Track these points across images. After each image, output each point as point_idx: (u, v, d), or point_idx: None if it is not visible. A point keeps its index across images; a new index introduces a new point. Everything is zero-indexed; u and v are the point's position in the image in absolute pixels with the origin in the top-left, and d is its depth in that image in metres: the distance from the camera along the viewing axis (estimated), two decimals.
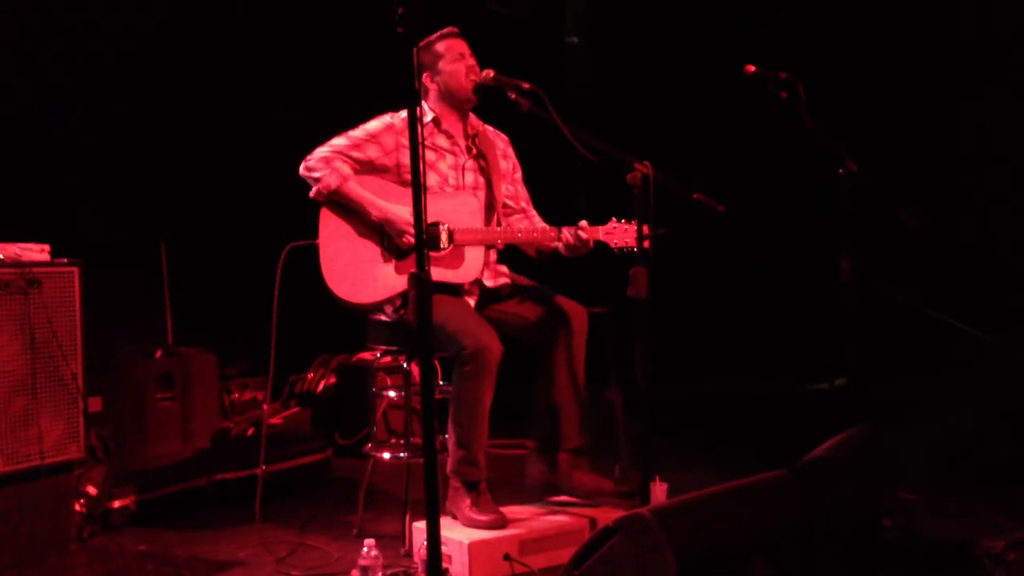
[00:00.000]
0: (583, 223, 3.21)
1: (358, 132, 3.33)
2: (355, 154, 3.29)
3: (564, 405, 3.25)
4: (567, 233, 3.22)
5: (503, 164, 3.50)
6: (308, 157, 3.28)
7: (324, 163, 3.25)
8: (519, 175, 3.58)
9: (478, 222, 3.28)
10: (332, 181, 3.22)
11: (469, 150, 3.43)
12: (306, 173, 3.27)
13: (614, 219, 3.21)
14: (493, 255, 3.43)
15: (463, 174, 3.40)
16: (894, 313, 4.64)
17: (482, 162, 3.43)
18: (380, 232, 3.25)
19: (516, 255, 3.47)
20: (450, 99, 3.38)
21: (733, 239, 5.64)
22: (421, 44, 3.33)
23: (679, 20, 6.07)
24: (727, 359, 6.13)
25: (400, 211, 3.21)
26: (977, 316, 4.43)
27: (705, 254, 5.67)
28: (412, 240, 3.16)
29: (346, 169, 3.26)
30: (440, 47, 3.36)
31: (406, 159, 3.27)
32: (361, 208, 3.23)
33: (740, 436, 5.01)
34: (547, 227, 3.36)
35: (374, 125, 3.34)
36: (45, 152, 4.52)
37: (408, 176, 3.23)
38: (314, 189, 3.25)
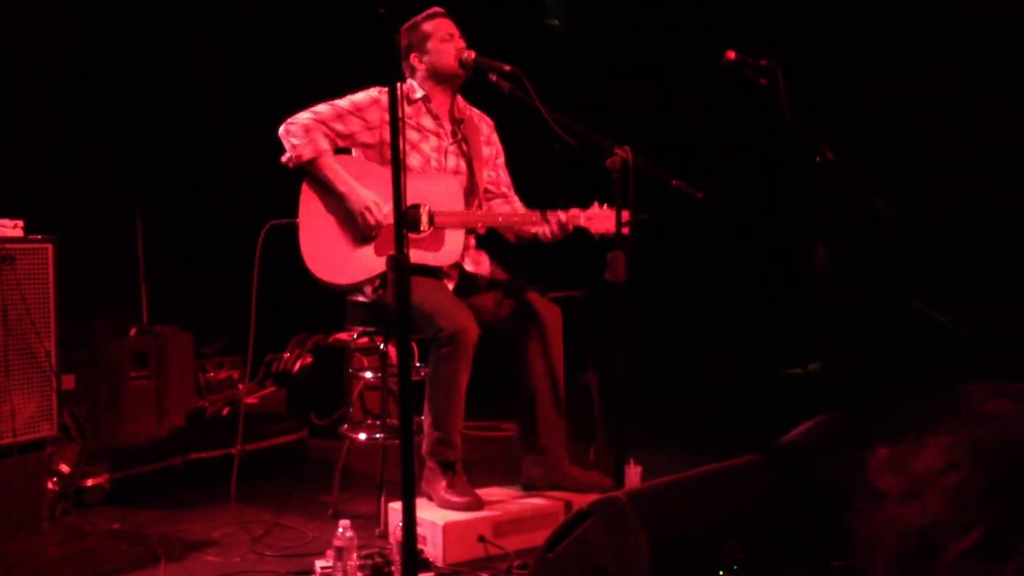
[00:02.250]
0: (574, 210, 3.20)
1: (343, 102, 3.30)
2: (337, 126, 3.26)
3: (547, 413, 3.26)
4: (550, 216, 3.21)
5: (486, 150, 3.49)
6: (290, 120, 3.24)
7: (304, 132, 3.21)
8: (502, 160, 3.57)
9: (459, 205, 3.27)
10: (307, 152, 3.19)
11: (454, 134, 3.42)
12: (284, 136, 3.24)
13: (596, 203, 3.20)
14: (473, 241, 3.42)
15: (445, 157, 3.39)
16: (870, 302, 4.68)
17: (464, 146, 3.42)
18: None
19: (494, 241, 3.47)
20: (438, 77, 3.35)
21: (711, 226, 5.67)
22: (407, 24, 3.32)
23: (660, 4, 6.06)
24: (702, 344, 6.16)
25: (364, 192, 3.18)
26: (955, 306, 4.48)
27: (683, 240, 5.69)
28: (371, 220, 3.15)
29: (324, 143, 3.23)
30: (428, 27, 3.34)
31: (389, 136, 3.25)
32: (330, 184, 3.20)
33: (714, 420, 5.05)
34: (527, 210, 3.35)
35: (360, 97, 3.31)
36: (19, 125, 4.46)
37: (390, 154, 3.23)
38: (287, 155, 3.22)
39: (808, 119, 3.00)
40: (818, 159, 3.01)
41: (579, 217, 3.20)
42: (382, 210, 3.15)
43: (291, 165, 3.22)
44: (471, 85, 3.38)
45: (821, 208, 3.03)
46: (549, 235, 3.25)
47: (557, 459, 3.27)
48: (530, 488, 3.26)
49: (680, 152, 4.06)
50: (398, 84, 2.23)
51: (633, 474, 3.28)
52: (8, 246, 3.11)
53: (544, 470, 3.26)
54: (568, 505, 3.15)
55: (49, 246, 3.23)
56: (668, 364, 5.86)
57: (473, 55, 3.26)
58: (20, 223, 3.20)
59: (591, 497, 2.45)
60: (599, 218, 3.18)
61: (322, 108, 3.27)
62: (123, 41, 4.83)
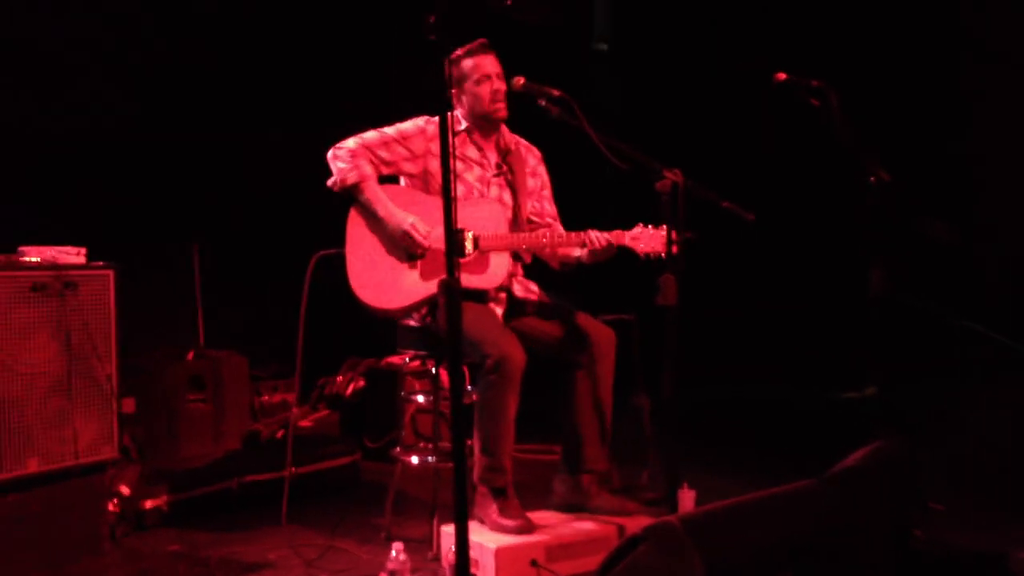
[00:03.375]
0: (617, 232, 3.21)
1: (390, 130, 3.35)
2: (382, 153, 3.31)
3: (586, 429, 3.27)
4: (593, 235, 3.21)
5: (531, 182, 3.50)
6: (338, 146, 3.30)
7: (351, 157, 3.27)
8: (548, 192, 3.58)
9: (502, 229, 3.29)
10: (351, 177, 3.25)
11: (499, 165, 3.44)
12: (331, 160, 3.30)
13: (641, 224, 3.20)
14: (521, 269, 3.44)
15: (489, 187, 3.41)
16: (924, 324, 4.60)
17: (510, 177, 3.44)
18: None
19: (542, 271, 3.47)
20: (474, 119, 3.40)
21: (764, 247, 5.62)
22: (452, 56, 3.35)
23: (708, 26, 6.05)
24: (756, 366, 6.10)
25: (404, 216, 3.21)
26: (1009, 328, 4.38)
27: (735, 262, 5.65)
28: (417, 239, 3.18)
29: (369, 169, 3.28)
30: (467, 65, 3.35)
31: (433, 166, 3.29)
32: (372, 208, 3.24)
33: (768, 444, 4.98)
34: (570, 234, 3.36)
35: (407, 126, 3.36)
36: (82, 156, 4.59)
37: (435, 184, 3.27)
38: (332, 178, 3.28)
39: (862, 139, 2.97)
40: (872, 179, 2.97)
41: (624, 237, 3.20)
42: (421, 230, 3.19)
43: (336, 188, 3.28)
44: (520, 110, 3.40)
45: (876, 230, 2.99)
46: (591, 258, 3.25)
47: (587, 481, 3.26)
48: (555, 505, 3.28)
49: (730, 173, 4.03)
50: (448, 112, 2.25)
51: (687, 498, 3.25)
52: (71, 272, 3.20)
53: (569, 490, 3.28)
54: (621, 530, 3.13)
55: (111, 273, 3.31)
56: (722, 387, 5.81)
57: (522, 80, 3.28)
58: (83, 250, 3.29)
59: (645, 521, 2.43)
60: (644, 237, 3.18)
61: (369, 135, 3.33)
62: (186, 74, 4.96)
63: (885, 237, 2.98)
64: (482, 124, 3.41)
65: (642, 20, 6.32)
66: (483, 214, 3.29)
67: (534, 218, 3.51)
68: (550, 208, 3.57)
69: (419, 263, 3.25)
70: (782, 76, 3.04)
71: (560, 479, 3.33)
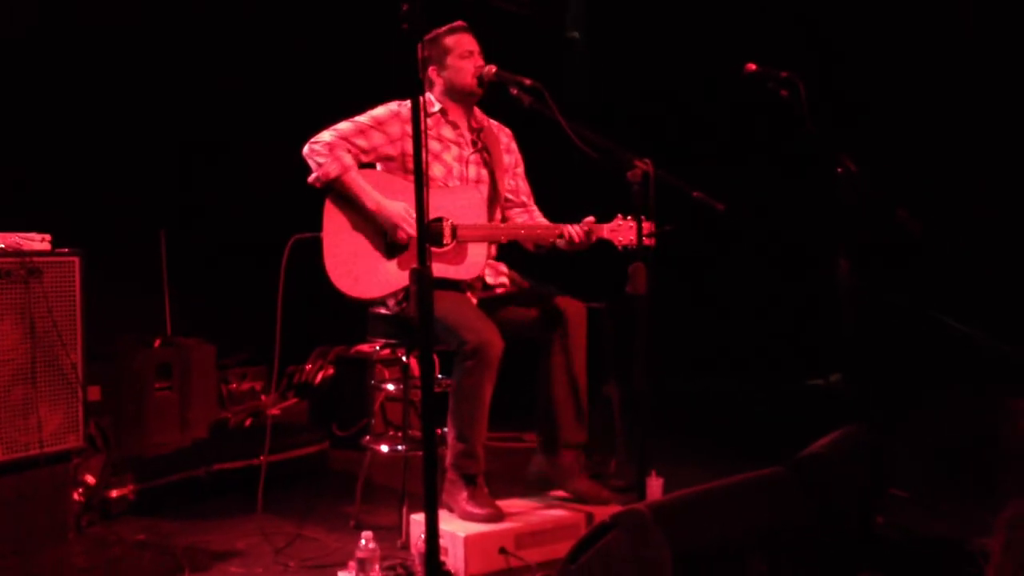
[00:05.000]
0: (590, 219, 3.22)
1: (363, 118, 3.33)
2: (360, 141, 3.29)
3: (563, 403, 3.27)
4: (570, 229, 3.22)
5: (506, 158, 3.51)
6: (313, 139, 3.27)
7: (328, 150, 3.24)
8: (521, 169, 3.59)
9: (481, 217, 3.29)
10: (332, 169, 3.22)
11: (474, 143, 3.44)
12: (308, 156, 3.26)
13: (620, 216, 3.21)
14: (493, 251, 3.44)
15: (467, 166, 3.41)
16: (892, 314, 4.65)
17: (486, 155, 3.44)
18: (381, 226, 3.26)
19: (514, 250, 3.48)
20: (455, 94, 3.39)
21: (732, 238, 5.66)
22: (428, 37, 3.34)
23: (681, 16, 6.06)
24: (724, 355, 6.14)
25: (395, 205, 3.20)
26: (979, 318, 4.45)
27: (704, 252, 5.68)
28: (405, 235, 3.18)
29: (348, 159, 3.25)
30: (449, 41, 3.37)
31: (411, 148, 3.26)
32: (358, 200, 3.22)
33: (736, 432, 5.03)
34: (549, 223, 3.37)
35: (380, 112, 3.34)
36: (46, 141, 4.52)
37: (412, 165, 3.25)
38: (313, 175, 3.24)
39: (830, 130, 3.00)
40: (840, 170, 3.00)
41: (602, 229, 3.21)
42: (410, 219, 3.17)
43: (318, 184, 3.24)
44: (492, 98, 3.40)
45: (843, 220, 3.02)
46: (567, 246, 3.26)
47: (566, 459, 3.27)
48: (538, 482, 3.29)
49: (701, 164, 4.05)
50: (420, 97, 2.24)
51: (655, 486, 3.28)
52: (36, 259, 3.15)
53: (548, 467, 3.29)
54: (590, 517, 3.15)
55: (76, 259, 3.27)
56: (689, 376, 5.85)
57: (494, 69, 3.28)
58: (48, 237, 3.24)
59: (614, 509, 2.45)
60: (623, 230, 3.19)
61: (343, 125, 3.30)
62: (150, 60, 4.90)
63: (853, 227, 3.01)
64: (461, 99, 3.39)
65: (616, 8, 6.32)
66: (462, 202, 3.28)
67: (510, 196, 3.52)
68: (524, 187, 3.58)
69: (395, 251, 3.24)
70: (752, 67, 3.06)
71: (537, 459, 3.34)
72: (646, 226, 2.95)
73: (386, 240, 3.25)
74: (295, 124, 3.38)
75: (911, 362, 4.80)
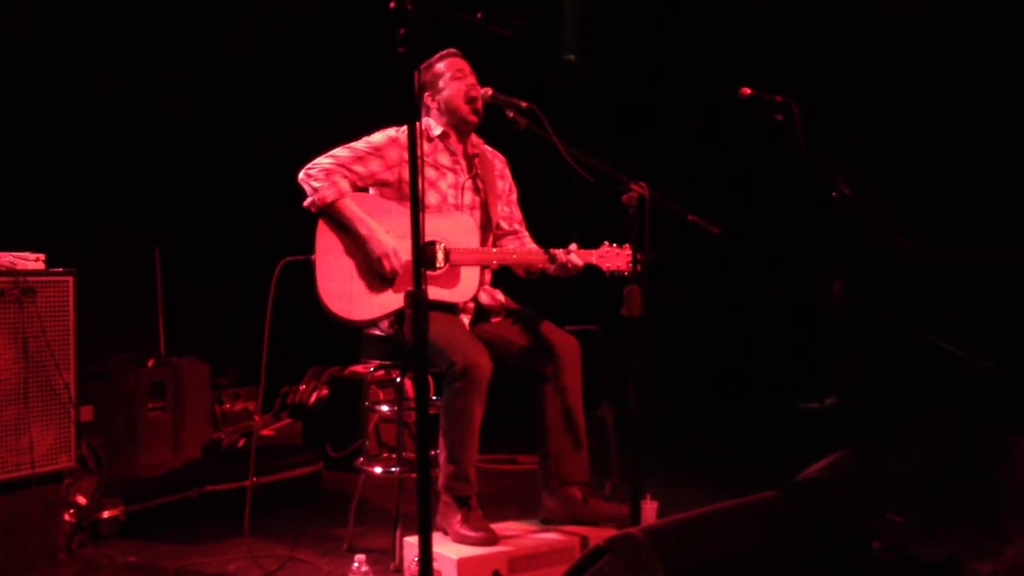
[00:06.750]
0: (573, 246, 3.24)
1: (360, 144, 3.33)
2: (357, 167, 3.29)
3: (563, 446, 3.25)
4: (561, 255, 3.24)
5: (500, 185, 3.52)
6: (309, 165, 3.27)
7: (325, 175, 3.24)
8: (514, 196, 3.60)
9: (474, 242, 3.30)
10: (328, 195, 3.22)
11: (470, 169, 3.45)
12: (304, 181, 3.26)
13: (607, 243, 3.25)
14: (488, 277, 3.44)
15: (462, 193, 3.42)
16: (888, 335, 4.66)
17: (480, 182, 3.45)
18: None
19: (507, 276, 3.48)
20: (450, 117, 3.40)
21: (727, 261, 5.68)
22: (422, 66, 3.36)
23: (676, 40, 6.11)
24: (719, 378, 6.15)
25: (385, 238, 3.20)
26: (972, 340, 4.46)
27: (699, 275, 5.70)
28: (387, 268, 3.18)
29: (345, 185, 3.26)
30: (440, 66, 3.40)
31: (408, 175, 3.28)
32: (351, 226, 3.22)
33: (731, 455, 5.03)
34: (540, 249, 3.37)
35: (378, 138, 3.35)
36: (41, 161, 4.52)
37: (408, 192, 3.25)
38: (309, 199, 3.25)
39: (825, 153, 3.01)
40: (834, 194, 3.01)
41: (591, 255, 3.23)
42: (400, 259, 3.18)
43: (313, 209, 3.24)
44: (488, 122, 3.41)
45: (837, 243, 3.03)
46: (557, 272, 3.27)
47: (575, 493, 3.26)
48: (548, 522, 3.25)
49: (696, 187, 4.07)
50: (416, 123, 2.25)
51: (649, 510, 3.26)
52: (30, 279, 3.14)
53: (561, 504, 3.25)
54: (584, 541, 3.13)
55: (70, 279, 3.26)
56: (684, 398, 5.85)
57: (490, 91, 3.30)
58: (42, 256, 3.24)
59: (608, 532, 2.44)
60: (610, 256, 3.23)
61: (340, 152, 3.30)
62: (145, 78, 4.91)
63: (847, 250, 3.02)
64: (458, 125, 3.41)
65: (611, 32, 6.36)
66: (455, 227, 3.29)
67: (502, 223, 3.53)
68: (517, 213, 3.59)
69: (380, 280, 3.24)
70: (747, 91, 3.07)
71: (546, 495, 3.29)
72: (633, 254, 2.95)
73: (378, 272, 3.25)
74: (291, 144, 3.38)
75: (904, 383, 4.81)
